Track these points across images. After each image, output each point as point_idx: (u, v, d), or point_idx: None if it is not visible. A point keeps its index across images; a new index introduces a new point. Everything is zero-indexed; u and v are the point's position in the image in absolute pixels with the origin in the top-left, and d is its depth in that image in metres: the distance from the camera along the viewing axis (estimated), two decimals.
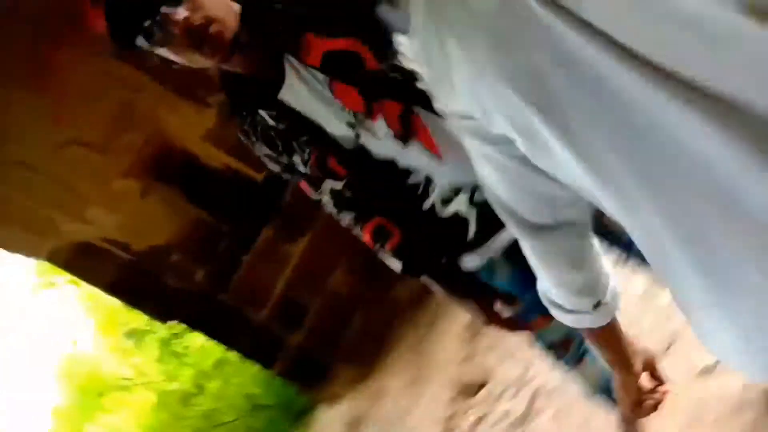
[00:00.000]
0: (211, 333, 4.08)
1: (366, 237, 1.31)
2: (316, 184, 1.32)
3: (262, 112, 1.26)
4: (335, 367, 4.16)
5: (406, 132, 1.23)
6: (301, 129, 1.24)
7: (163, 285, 3.92)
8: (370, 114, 1.22)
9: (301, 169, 1.28)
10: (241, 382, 5.09)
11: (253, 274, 3.98)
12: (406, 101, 1.22)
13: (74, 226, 3.72)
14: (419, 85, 1.18)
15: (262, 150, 1.31)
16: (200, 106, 3.93)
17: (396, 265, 1.33)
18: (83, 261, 3.85)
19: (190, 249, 3.88)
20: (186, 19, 1.07)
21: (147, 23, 1.08)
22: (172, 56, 1.16)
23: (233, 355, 4.99)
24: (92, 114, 3.71)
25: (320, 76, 1.20)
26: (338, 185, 1.28)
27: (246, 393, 5.17)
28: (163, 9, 1.07)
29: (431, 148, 1.23)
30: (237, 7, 1.17)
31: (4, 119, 3.50)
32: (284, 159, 1.29)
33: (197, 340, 5.11)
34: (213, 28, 1.09)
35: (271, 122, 1.26)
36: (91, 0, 1.09)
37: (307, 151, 1.26)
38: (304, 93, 1.22)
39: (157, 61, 1.22)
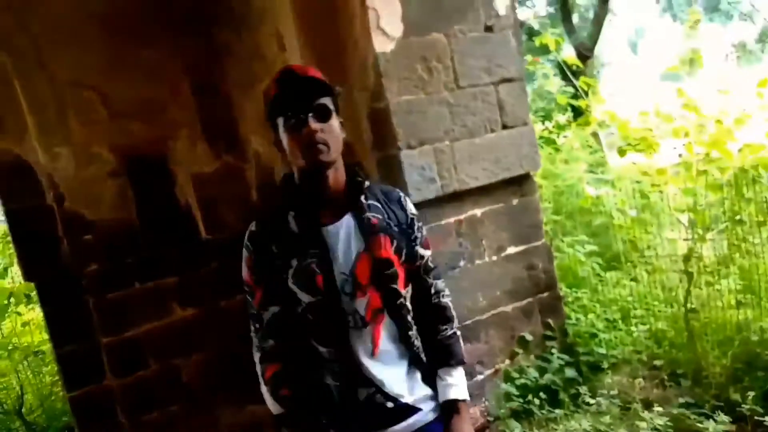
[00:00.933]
0: (53, 319, 3.92)
1: (266, 374, 1.64)
2: (268, 301, 1.61)
3: (290, 217, 1.61)
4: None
5: (370, 321, 1.60)
6: (318, 246, 1.58)
7: (56, 248, 3.87)
8: (363, 291, 1.58)
9: (288, 269, 1.57)
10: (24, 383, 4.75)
11: (131, 301, 3.97)
12: (388, 306, 1.61)
13: (40, 147, 3.78)
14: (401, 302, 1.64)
15: (263, 246, 1.61)
16: (213, 153, 4.24)
17: (271, 405, 1.65)
18: (12, 179, 3.84)
19: (105, 242, 3.89)
20: (315, 131, 1.52)
21: (291, 115, 1.54)
22: (285, 141, 1.59)
23: (48, 353, 4.73)
24: (129, 83, 3.92)
25: (361, 238, 1.59)
26: (306, 299, 1.57)
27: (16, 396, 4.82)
28: (310, 116, 1.53)
29: (377, 340, 1.60)
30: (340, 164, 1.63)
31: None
32: (280, 259, 1.58)
33: (32, 316, 4.87)
34: (322, 149, 1.53)
35: (293, 228, 1.60)
36: (276, 81, 1.59)
37: (310, 259, 1.57)
38: (342, 235, 1.60)
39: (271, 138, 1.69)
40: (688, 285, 3.31)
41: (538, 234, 3.69)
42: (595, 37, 10.38)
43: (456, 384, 1.69)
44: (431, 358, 1.69)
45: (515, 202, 3.61)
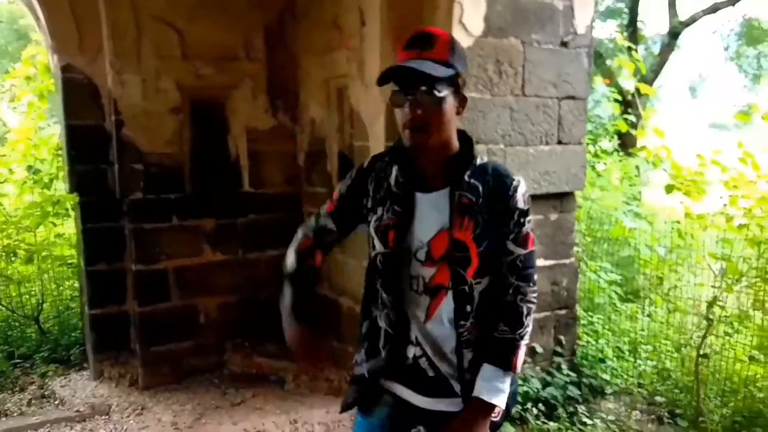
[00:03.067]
0: (89, 237, 4.08)
1: (303, 244, 1.82)
2: (333, 216, 1.79)
3: (395, 170, 1.67)
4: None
5: (433, 292, 1.63)
6: (403, 207, 1.64)
7: (106, 171, 4.03)
8: (434, 263, 1.61)
9: (373, 214, 1.67)
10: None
11: (166, 235, 4.11)
12: (453, 287, 1.62)
13: (111, 72, 3.90)
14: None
15: (364, 182, 1.73)
16: (271, 111, 4.36)
17: (290, 262, 1.82)
18: (79, 96, 3.98)
19: (153, 173, 4.03)
20: (414, 116, 1.53)
21: (404, 89, 1.54)
22: (395, 104, 1.59)
23: (72, 269, 4.90)
24: (208, 27, 4.07)
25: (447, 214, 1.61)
26: (379, 248, 1.65)
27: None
28: (412, 98, 1.53)
29: (432, 311, 1.64)
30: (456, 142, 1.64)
31: None
32: (371, 201, 1.69)
33: (64, 231, 5.02)
34: (418, 134, 1.55)
35: (392, 181, 1.67)
36: (404, 46, 1.58)
37: (390, 215, 1.64)
38: (432, 206, 1.63)
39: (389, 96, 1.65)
40: (705, 330, 3.37)
41: (569, 252, 3.76)
42: (657, 70, 10.33)
43: (490, 382, 1.59)
44: (482, 352, 1.63)
45: (553, 217, 3.68)
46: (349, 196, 1.75)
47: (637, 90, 4.79)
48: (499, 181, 1.61)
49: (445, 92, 1.54)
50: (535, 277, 1.68)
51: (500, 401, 1.59)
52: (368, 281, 1.76)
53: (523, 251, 1.63)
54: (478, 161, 1.63)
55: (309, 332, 1.76)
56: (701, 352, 3.38)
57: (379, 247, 1.66)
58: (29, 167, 4.69)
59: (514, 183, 1.61)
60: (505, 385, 1.61)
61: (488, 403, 1.57)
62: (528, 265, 1.64)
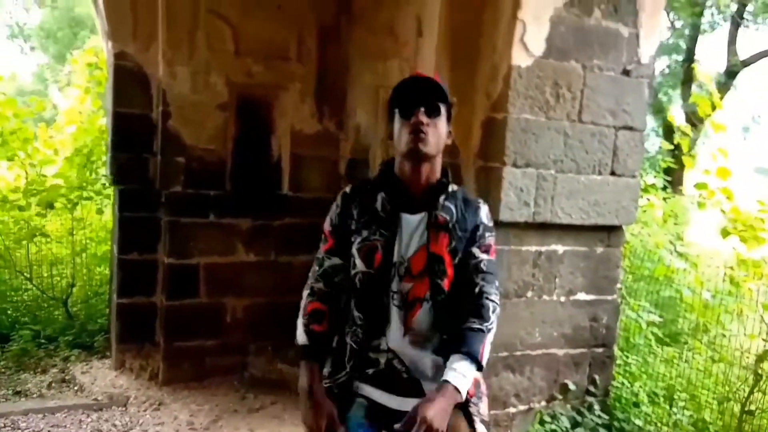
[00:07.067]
0: (125, 226, 4.08)
1: (308, 308, 1.87)
2: (334, 252, 1.87)
3: (380, 196, 1.82)
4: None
5: (410, 305, 1.78)
6: (390, 229, 1.78)
7: (147, 161, 4.02)
8: (413, 278, 1.78)
9: (357, 236, 1.80)
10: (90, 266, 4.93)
11: (201, 231, 4.07)
12: (432, 297, 1.78)
13: (162, 62, 3.90)
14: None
15: (348, 207, 1.85)
16: (316, 116, 4.30)
17: (300, 335, 1.87)
18: (128, 83, 3.99)
19: (195, 168, 4.00)
20: (422, 123, 1.72)
21: (406, 106, 1.74)
22: (396, 128, 1.78)
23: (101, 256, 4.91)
24: (263, 26, 4.05)
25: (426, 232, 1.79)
26: (362, 268, 1.78)
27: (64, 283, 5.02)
28: (421, 109, 1.72)
29: (409, 322, 1.78)
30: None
31: None
32: (354, 223, 1.82)
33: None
34: (423, 138, 1.72)
35: (378, 206, 1.81)
36: (402, 81, 1.80)
37: (376, 237, 1.78)
38: (414, 226, 1.80)
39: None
40: (753, 386, 3.17)
41: (613, 288, 3.60)
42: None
43: (457, 370, 1.70)
44: (451, 345, 1.78)
45: (599, 250, 3.53)
46: (341, 224, 1.86)
47: (693, 124, 4.62)
48: (467, 203, 1.86)
49: (444, 112, 1.77)
50: (497, 282, 1.88)
51: (464, 387, 1.70)
52: (345, 299, 1.86)
53: (486, 257, 1.84)
54: (450, 189, 1.84)
55: (330, 414, 1.76)
56: (746, 408, 3.19)
57: (360, 266, 1.78)
58: (77, 150, 4.71)
59: (479, 204, 1.90)
60: (471, 374, 1.73)
61: (455, 388, 1.68)
62: (490, 270, 1.85)
